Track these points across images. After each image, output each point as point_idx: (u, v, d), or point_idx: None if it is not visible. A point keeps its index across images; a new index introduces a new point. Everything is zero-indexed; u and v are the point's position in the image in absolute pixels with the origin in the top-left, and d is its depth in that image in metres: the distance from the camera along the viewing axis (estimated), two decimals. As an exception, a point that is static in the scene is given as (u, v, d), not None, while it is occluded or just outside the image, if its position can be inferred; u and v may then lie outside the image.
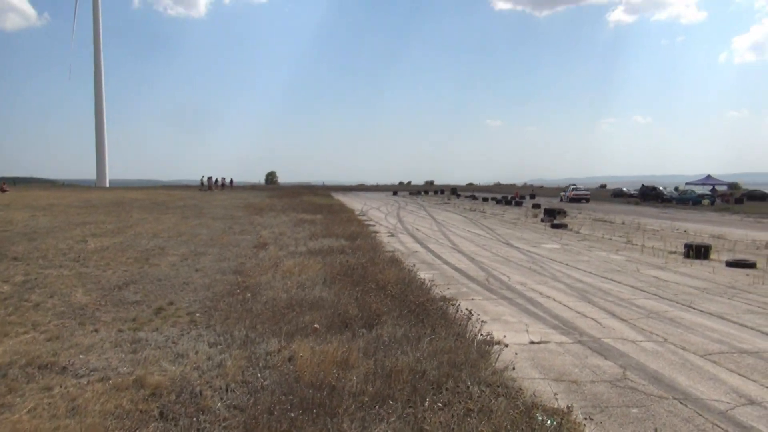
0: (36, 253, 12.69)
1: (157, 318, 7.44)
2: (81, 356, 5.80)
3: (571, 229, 22.39)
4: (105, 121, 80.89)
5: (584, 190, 55.33)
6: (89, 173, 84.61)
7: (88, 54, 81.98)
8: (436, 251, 15.62)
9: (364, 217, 27.59)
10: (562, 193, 55.66)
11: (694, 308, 8.88)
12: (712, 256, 14.55)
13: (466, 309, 7.68)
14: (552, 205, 38.22)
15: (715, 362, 6.23)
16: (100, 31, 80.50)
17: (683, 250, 15.11)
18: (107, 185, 76.33)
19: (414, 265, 12.09)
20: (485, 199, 51.69)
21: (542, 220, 26.76)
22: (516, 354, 6.35)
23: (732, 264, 13.26)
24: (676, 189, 58.11)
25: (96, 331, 6.77)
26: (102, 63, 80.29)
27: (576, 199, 49.93)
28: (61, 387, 5.00)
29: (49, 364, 5.53)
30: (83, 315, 7.52)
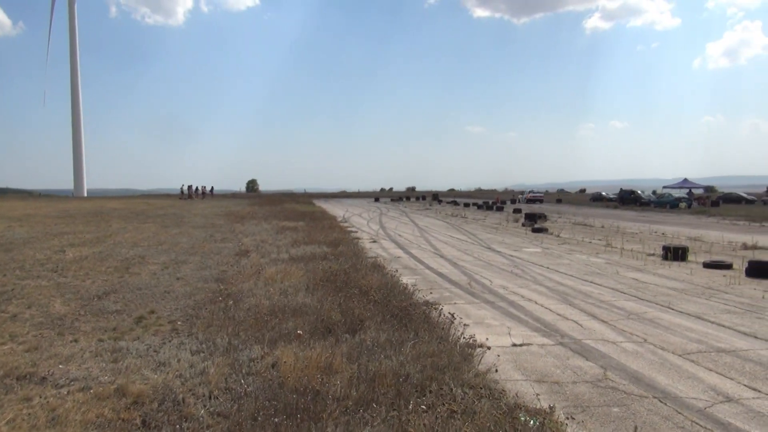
0: (13, 263, 12.49)
1: (138, 327, 7.38)
2: (60, 366, 5.73)
3: (551, 233, 22.61)
4: (82, 129, 79.86)
5: (539, 193, 69.02)
6: (66, 183, 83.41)
7: (64, 63, 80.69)
8: (419, 256, 15.68)
9: (346, 224, 27.55)
10: (519, 196, 66.03)
11: (672, 309, 9.04)
12: (690, 257, 14.81)
13: (449, 313, 7.75)
14: (532, 210, 38.61)
15: (693, 361, 6.35)
16: (77, 39, 79.58)
17: (661, 253, 15.35)
18: (85, 195, 75.23)
19: (396, 271, 12.13)
20: (467, 205, 51.98)
21: (523, 225, 26.99)
22: (499, 356, 6.40)
23: (709, 265, 13.51)
24: (654, 192, 59.02)
25: (75, 341, 6.69)
26: (78, 71, 79.34)
27: (532, 200, 60.12)
28: (40, 397, 4.94)
29: (28, 375, 5.46)
30: (62, 325, 7.43)
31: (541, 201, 60.97)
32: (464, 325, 7.39)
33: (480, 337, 6.91)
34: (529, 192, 68.44)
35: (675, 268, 13.50)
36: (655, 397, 5.29)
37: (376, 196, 78.74)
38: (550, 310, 8.91)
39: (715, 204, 48.00)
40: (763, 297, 9.98)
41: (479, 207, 47.07)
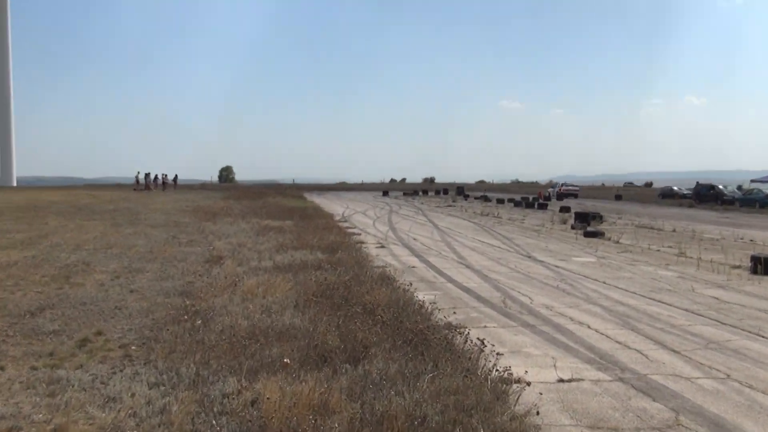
0: (-76, 270, 12.57)
1: (81, 352, 7.41)
2: (-17, 401, 5.76)
3: (608, 238, 22.56)
4: (11, 105, 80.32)
5: (573, 186, 72.93)
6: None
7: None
8: (439, 266, 15.69)
9: (347, 224, 27.68)
10: (550, 189, 68.86)
11: (763, 336, 8.99)
12: (787, 271, 14.72)
13: (478, 338, 7.73)
14: (585, 208, 38.50)
15: (791, 404, 6.31)
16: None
17: (749, 264, 15.28)
18: (14, 184, 75.75)
19: (411, 284, 12.12)
20: (500, 201, 51.90)
21: (573, 227, 26.92)
22: (541, 395, 6.39)
23: (811, 281, 13.41)
24: (740, 188, 58.71)
25: (2, 368, 6.72)
26: (8, 32, 79.69)
27: (565, 195, 63.73)
28: (-43, 440, 4.96)
29: (-58, 411, 5.48)
30: (-14, 348, 7.46)
31: (575, 195, 65.13)
32: (497, 354, 7.36)
33: (517, 370, 6.89)
34: (562, 184, 72.44)
35: (766, 284, 13.42)
36: (742, 450, 5.24)
37: (385, 189, 78.84)
38: (607, 337, 8.89)
39: (819, 203, 47.61)
40: None
41: (517, 204, 47.03)
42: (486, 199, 56.69)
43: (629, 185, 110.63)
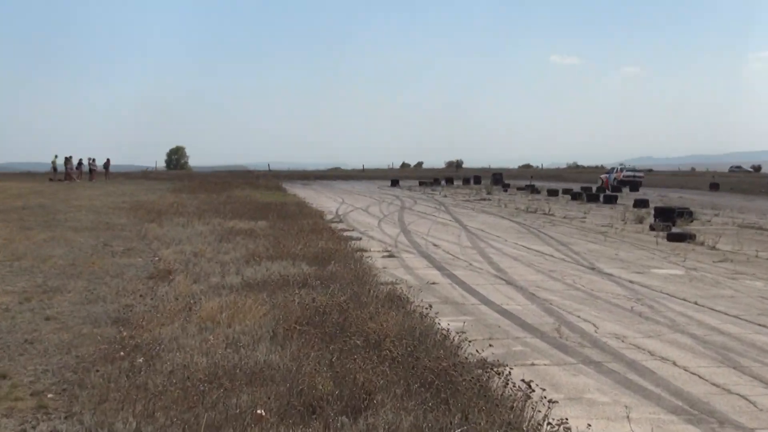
0: None
1: (-20, 402, 7.43)
2: None
3: (701, 243, 22.51)
4: None
5: (636, 171, 71.77)
6: None
7: None
8: (468, 282, 15.69)
9: (342, 225, 27.71)
10: (604, 176, 69.56)
11: None
12: None
13: (523, 380, 7.70)
14: (668, 202, 38.30)
15: None
16: None
17: None
18: None
19: (430, 307, 12.09)
20: (552, 192, 51.80)
21: (652, 228, 26.81)
22: (610, 457, 6.40)
23: None
24: None
25: None
26: None
27: (625, 183, 63.18)
28: None
29: None
30: None
31: (640, 183, 65.43)
32: (549, 401, 7.34)
33: (577, 423, 6.86)
34: (621, 169, 72.15)
35: None
36: None
37: (395, 178, 78.81)
38: (700, 377, 8.88)
39: None
40: None
41: (575, 196, 46.87)
42: (533, 189, 56.59)
43: (737, 169, 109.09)
